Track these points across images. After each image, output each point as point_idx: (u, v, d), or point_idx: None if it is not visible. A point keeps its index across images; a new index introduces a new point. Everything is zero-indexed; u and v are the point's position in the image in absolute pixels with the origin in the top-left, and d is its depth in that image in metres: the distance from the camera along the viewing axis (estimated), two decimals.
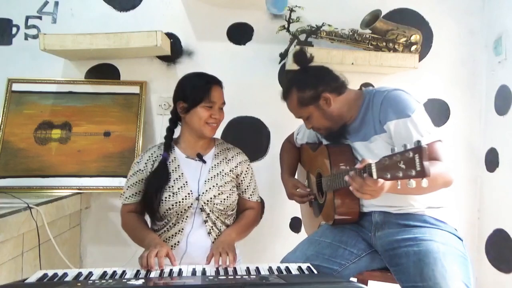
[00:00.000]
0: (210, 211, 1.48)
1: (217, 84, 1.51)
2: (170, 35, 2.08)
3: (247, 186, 1.60)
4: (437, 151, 1.26)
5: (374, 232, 1.38)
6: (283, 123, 2.14)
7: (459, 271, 1.19)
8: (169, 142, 1.54)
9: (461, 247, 1.29)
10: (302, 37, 1.97)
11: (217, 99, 1.48)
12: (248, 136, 2.14)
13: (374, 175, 1.03)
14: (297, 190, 1.62)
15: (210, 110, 1.47)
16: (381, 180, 1.04)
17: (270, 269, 1.18)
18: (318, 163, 1.55)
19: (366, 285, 1.45)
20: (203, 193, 1.47)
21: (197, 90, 1.46)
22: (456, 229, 1.36)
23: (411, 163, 0.92)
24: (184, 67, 2.11)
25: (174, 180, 1.48)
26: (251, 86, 2.13)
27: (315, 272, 1.19)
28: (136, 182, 1.52)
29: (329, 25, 1.97)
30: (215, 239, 1.47)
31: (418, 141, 0.92)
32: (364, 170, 1.08)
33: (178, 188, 1.46)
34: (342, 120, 1.44)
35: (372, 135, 1.37)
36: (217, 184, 1.49)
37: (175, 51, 2.10)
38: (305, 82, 1.43)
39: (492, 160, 2.03)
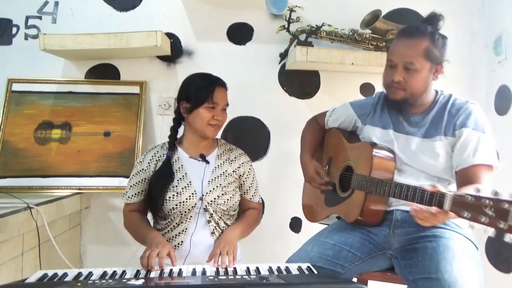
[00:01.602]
0: (213, 211, 1.48)
1: (220, 85, 1.50)
2: (170, 35, 2.08)
3: (249, 187, 1.60)
4: (484, 175, 1.25)
5: (393, 229, 1.36)
6: (283, 123, 2.14)
7: (476, 273, 1.18)
8: (173, 141, 1.55)
9: (478, 255, 1.29)
10: (302, 37, 1.97)
11: (219, 100, 1.47)
12: (248, 136, 2.14)
13: (446, 207, 1.01)
14: (318, 175, 1.56)
15: (212, 111, 1.46)
16: (451, 213, 1.01)
17: (270, 269, 1.18)
18: (351, 156, 1.50)
19: (366, 285, 1.45)
20: (207, 193, 1.47)
21: (200, 91, 1.46)
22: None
23: (504, 214, 0.88)
24: (184, 67, 2.11)
25: (178, 180, 1.48)
26: (251, 86, 2.13)
27: (315, 272, 1.19)
28: (139, 181, 1.52)
29: (329, 25, 1.97)
30: (218, 238, 1.47)
31: None
32: (433, 196, 1.05)
33: (182, 188, 1.47)
34: (419, 99, 1.40)
35: (438, 135, 1.35)
36: (220, 184, 1.50)
37: (175, 51, 2.10)
38: (439, 42, 1.37)
39: None
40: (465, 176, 1.28)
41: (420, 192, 1.11)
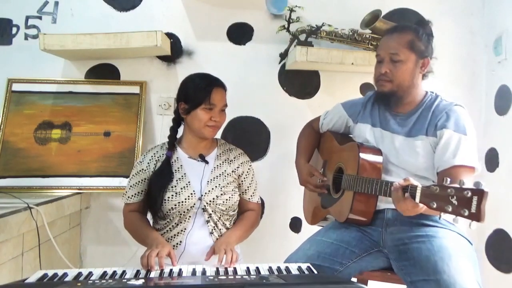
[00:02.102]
0: (212, 211, 1.48)
1: (218, 86, 1.48)
2: (170, 35, 2.08)
3: (248, 187, 1.59)
4: (464, 176, 1.25)
5: (385, 228, 1.39)
6: (283, 123, 2.14)
7: (472, 270, 1.19)
8: (173, 141, 1.55)
9: (472, 250, 1.30)
10: (302, 37, 1.97)
11: (217, 101, 1.46)
12: (248, 136, 2.14)
13: (417, 199, 1.04)
14: (312, 177, 1.60)
15: (210, 112, 1.46)
16: (421, 205, 1.05)
17: (270, 269, 1.18)
18: (342, 158, 1.53)
19: (366, 285, 1.45)
20: (205, 193, 1.47)
21: (198, 92, 1.45)
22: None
23: (466, 202, 0.91)
24: (184, 67, 2.11)
25: (177, 180, 1.48)
26: (251, 86, 2.13)
27: (315, 272, 1.19)
28: (139, 181, 1.52)
29: (329, 25, 1.97)
30: (217, 239, 1.47)
31: (478, 182, 0.91)
32: (406, 189, 1.08)
33: (181, 188, 1.47)
34: (408, 95, 1.42)
35: (420, 134, 1.38)
36: (219, 184, 1.50)
37: (175, 51, 2.10)
38: (423, 36, 1.42)
39: (492, 160, 2.03)
40: (446, 177, 1.29)
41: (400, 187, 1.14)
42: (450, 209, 0.94)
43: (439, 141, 1.33)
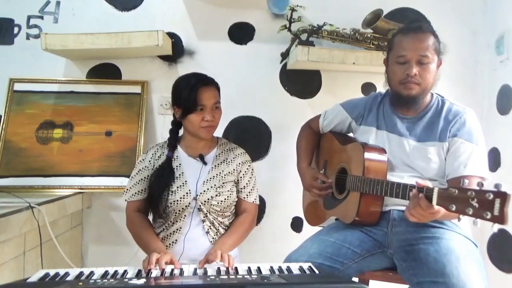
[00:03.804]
0: (207, 211, 1.47)
1: (206, 85, 1.45)
2: (172, 35, 2.08)
3: (244, 186, 1.57)
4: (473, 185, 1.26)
5: (391, 228, 1.38)
6: (284, 123, 2.14)
7: (480, 274, 1.18)
8: (174, 143, 1.54)
9: (478, 253, 1.29)
10: (304, 36, 1.97)
11: (206, 101, 1.44)
12: (249, 136, 2.14)
13: (434, 202, 1.02)
14: (316, 181, 1.58)
15: (202, 113, 1.44)
16: (436, 207, 1.03)
17: (271, 268, 1.18)
18: (345, 158, 1.51)
19: (367, 285, 1.45)
20: (200, 193, 1.47)
21: (186, 97, 1.43)
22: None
23: (488, 205, 0.90)
24: (186, 67, 2.11)
25: (174, 179, 1.48)
26: (252, 85, 2.13)
27: (316, 272, 1.19)
28: (141, 179, 1.52)
29: (330, 25, 1.97)
30: (213, 238, 1.47)
31: (498, 184, 0.90)
32: (421, 191, 1.07)
33: (177, 187, 1.47)
34: (424, 98, 1.41)
35: (432, 140, 1.37)
36: (215, 185, 1.49)
37: (177, 50, 2.10)
38: (437, 36, 1.41)
39: (494, 160, 2.03)
40: (463, 179, 1.29)
41: (409, 188, 1.13)
42: (470, 212, 0.92)
43: (451, 148, 1.33)
